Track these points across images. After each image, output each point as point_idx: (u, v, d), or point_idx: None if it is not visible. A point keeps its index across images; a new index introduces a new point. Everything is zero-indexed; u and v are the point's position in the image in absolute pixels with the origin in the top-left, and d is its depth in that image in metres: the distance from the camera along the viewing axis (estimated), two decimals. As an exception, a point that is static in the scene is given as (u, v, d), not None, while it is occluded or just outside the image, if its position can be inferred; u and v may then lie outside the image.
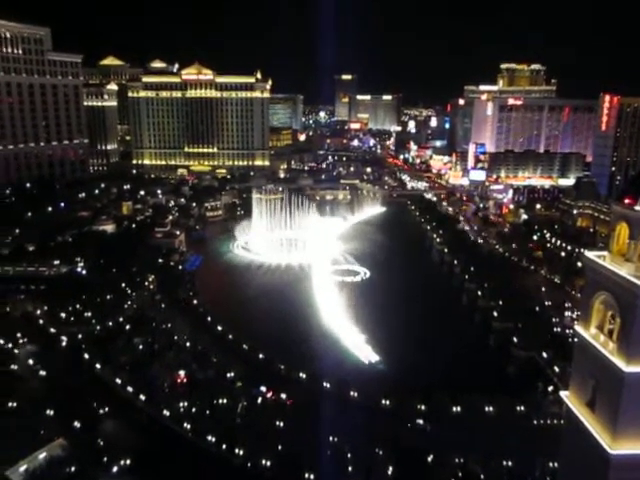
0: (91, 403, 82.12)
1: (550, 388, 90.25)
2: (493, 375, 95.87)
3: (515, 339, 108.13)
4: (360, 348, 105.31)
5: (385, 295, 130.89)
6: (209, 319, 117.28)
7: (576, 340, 34.12)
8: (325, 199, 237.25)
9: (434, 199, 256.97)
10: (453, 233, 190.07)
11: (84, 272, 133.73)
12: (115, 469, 69.63)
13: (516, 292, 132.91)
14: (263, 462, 72.08)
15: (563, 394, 35.16)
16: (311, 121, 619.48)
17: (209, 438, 76.23)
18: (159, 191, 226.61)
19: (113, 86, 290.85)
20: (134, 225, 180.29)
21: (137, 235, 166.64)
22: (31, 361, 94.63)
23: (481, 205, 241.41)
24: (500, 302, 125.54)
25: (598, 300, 31.99)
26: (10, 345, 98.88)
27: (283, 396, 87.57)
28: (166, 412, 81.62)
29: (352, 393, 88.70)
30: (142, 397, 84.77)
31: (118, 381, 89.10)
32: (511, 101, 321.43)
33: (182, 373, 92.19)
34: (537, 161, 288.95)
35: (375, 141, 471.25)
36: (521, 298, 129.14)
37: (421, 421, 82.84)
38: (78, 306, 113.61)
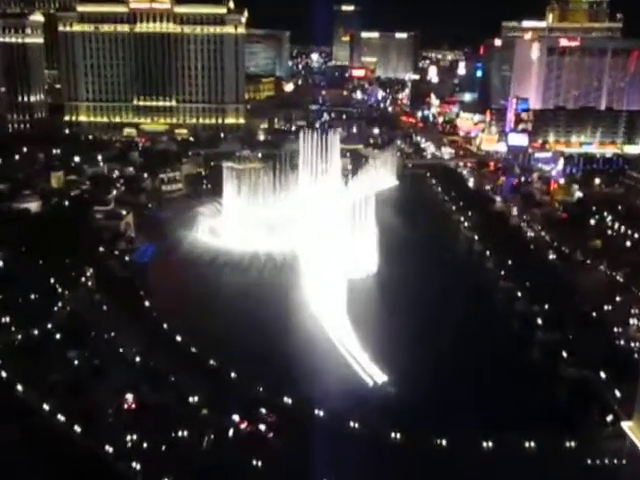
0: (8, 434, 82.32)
1: (609, 418, 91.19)
2: (535, 401, 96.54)
3: (564, 354, 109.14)
4: (363, 365, 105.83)
5: (397, 296, 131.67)
6: (165, 327, 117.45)
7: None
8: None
9: (461, 171, 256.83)
10: (485, 215, 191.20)
11: (0, 264, 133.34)
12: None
13: (567, 293, 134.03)
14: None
15: (625, 425, 35.70)
16: (300, 66, 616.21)
17: (166, 481, 76.72)
18: (100, 157, 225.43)
19: (38, 17, 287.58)
20: (67, 202, 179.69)
21: (71, 216, 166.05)
22: None
23: (522, 179, 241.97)
24: (545, 306, 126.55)
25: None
26: None
27: (262, 427, 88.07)
28: (109, 448, 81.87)
29: (352, 424, 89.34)
30: (78, 428, 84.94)
31: (46, 407, 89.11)
32: (564, 42, 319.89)
33: (130, 397, 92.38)
34: (597, 122, 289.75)
35: (385, 93, 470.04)
36: (573, 301, 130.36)
37: None
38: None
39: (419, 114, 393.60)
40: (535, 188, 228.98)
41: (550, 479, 78.79)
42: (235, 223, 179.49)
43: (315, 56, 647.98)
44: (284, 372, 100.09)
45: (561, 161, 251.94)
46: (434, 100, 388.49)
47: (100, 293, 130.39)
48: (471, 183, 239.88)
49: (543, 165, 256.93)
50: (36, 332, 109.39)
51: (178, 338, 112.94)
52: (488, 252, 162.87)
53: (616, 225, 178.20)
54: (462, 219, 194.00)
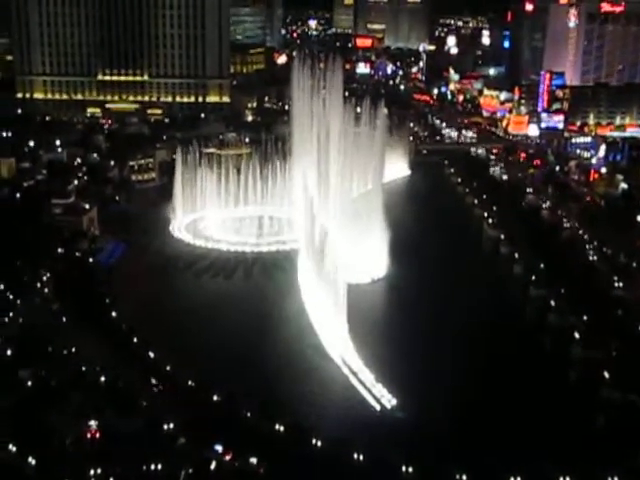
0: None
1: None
2: (571, 429, 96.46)
3: (607, 374, 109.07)
4: (369, 387, 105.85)
5: (408, 306, 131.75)
6: (136, 341, 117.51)
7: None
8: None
9: (485, 158, 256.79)
10: (513, 211, 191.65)
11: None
12: None
13: (610, 304, 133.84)
14: None
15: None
16: (295, 35, 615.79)
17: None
18: (58, 142, 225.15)
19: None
20: (18, 195, 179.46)
21: (23, 210, 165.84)
22: None
23: (557, 168, 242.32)
24: (584, 318, 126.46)
25: None
26: None
27: (253, 460, 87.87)
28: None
29: (357, 455, 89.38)
30: (32, 461, 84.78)
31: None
32: (606, 7, 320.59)
33: (94, 424, 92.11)
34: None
35: (395, 67, 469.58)
36: (617, 313, 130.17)
37: None
38: None
39: (435, 91, 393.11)
40: (572, 179, 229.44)
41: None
42: (218, 219, 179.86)
43: (312, 23, 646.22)
44: (275, 394, 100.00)
45: (603, 147, 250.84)
46: (453, 75, 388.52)
47: (58, 301, 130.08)
48: (496, 173, 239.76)
49: (581, 151, 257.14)
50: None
51: (150, 354, 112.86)
52: (516, 254, 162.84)
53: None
54: (485, 215, 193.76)
